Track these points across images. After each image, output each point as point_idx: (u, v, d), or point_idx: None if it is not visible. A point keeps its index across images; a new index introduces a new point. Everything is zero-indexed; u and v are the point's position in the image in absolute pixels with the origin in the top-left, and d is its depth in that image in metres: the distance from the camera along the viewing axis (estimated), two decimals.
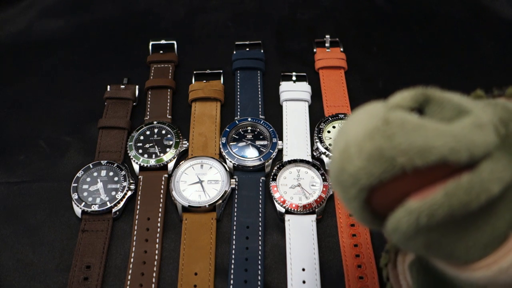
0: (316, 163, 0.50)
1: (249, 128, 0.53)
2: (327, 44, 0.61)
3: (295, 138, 0.52)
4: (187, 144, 0.52)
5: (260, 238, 0.45)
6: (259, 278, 0.43)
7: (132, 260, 0.44)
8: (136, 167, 0.50)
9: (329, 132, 0.52)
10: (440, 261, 0.24)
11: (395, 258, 0.31)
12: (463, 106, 0.21)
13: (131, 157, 0.50)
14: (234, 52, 0.60)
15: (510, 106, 0.23)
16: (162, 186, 0.49)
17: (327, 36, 0.61)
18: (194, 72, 0.58)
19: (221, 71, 0.58)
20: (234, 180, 0.48)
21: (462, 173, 0.19)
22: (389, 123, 0.20)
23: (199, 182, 0.48)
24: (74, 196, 0.47)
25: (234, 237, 0.45)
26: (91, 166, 0.49)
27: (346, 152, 0.21)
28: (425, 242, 0.21)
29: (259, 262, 0.44)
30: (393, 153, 0.19)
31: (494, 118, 0.21)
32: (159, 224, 0.46)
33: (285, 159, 0.50)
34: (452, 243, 0.21)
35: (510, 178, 0.20)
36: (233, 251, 0.44)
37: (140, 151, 0.50)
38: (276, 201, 0.47)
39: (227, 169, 0.49)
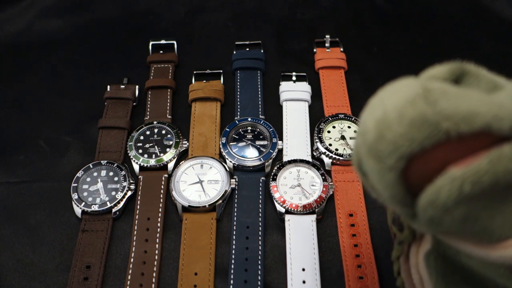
0: (316, 163, 0.50)
1: (249, 128, 0.53)
2: (327, 44, 0.61)
3: (295, 138, 0.52)
4: (187, 144, 0.52)
5: (260, 238, 0.45)
6: (259, 278, 0.43)
7: (132, 260, 0.44)
8: (136, 167, 0.50)
9: (329, 132, 0.52)
10: (468, 241, 0.23)
11: (408, 250, 0.30)
12: (498, 82, 0.21)
13: (131, 157, 0.50)
14: (234, 52, 0.60)
15: None
16: (162, 186, 0.49)
17: (327, 36, 0.61)
18: (194, 72, 0.58)
19: (221, 71, 0.58)
20: (234, 180, 0.48)
21: (502, 144, 0.19)
22: (430, 90, 0.20)
23: (199, 182, 0.48)
24: (74, 196, 0.47)
25: (234, 237, 0.45)
26: (91, 166, 0.49)
27: (385, 120, 0.20)
28: (463, 214, 0.20)
29: (259, 262, 0.44)
30: (437, 118, 0.19)
31: None
32: (159, 224, 0.46)
33: (285, 159, 0.50)
34: (489, 216, 0.20)
35: None
36: (233, 251, 0.44)
37: (140, 151, 0.50)
38: (276, 201, 0.47)
39: (227, 169, 0.49)
